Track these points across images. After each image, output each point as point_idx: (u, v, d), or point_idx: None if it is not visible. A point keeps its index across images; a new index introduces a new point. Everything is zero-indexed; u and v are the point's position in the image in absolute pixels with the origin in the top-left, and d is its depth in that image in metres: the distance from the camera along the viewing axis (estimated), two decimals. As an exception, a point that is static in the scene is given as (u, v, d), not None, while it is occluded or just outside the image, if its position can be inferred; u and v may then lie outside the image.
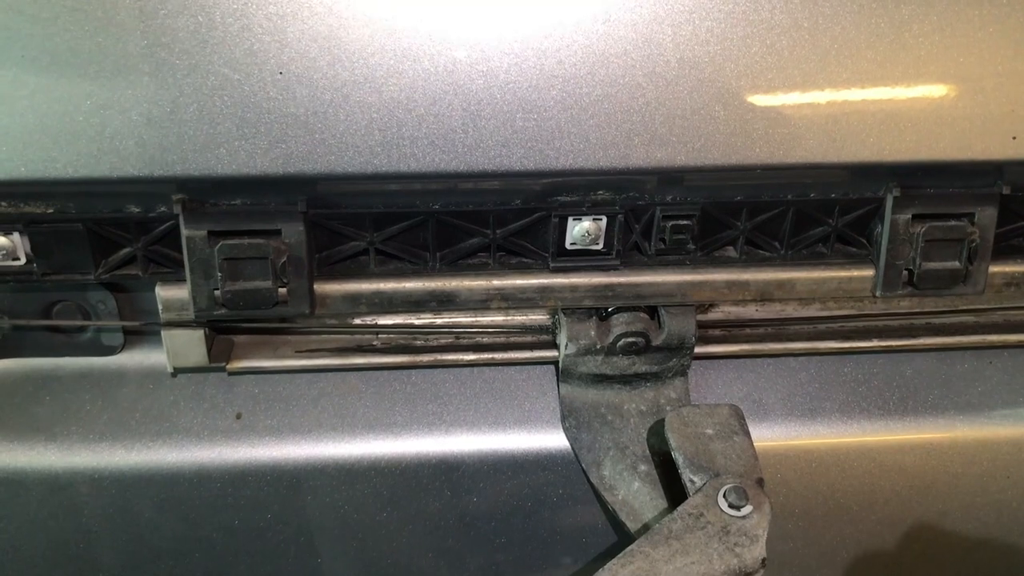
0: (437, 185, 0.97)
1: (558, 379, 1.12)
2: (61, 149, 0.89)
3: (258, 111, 0.90)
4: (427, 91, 0.91)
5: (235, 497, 1.08)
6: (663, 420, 1.02)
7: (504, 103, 0.92)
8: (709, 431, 0.98)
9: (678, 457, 0.97)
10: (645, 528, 1.02)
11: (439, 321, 1.14)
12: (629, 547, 0.87)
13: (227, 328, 1.10)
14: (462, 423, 1.10)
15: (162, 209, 0.96)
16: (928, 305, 1.18)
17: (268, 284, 0.98)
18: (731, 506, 0.90)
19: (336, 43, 0.89)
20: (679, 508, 0.91)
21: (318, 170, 0.92)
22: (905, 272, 1.05)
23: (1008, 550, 1.19)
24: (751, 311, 1.17)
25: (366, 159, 0.92)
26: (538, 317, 1.14)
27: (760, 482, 0.94)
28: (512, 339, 1.13)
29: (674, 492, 1.02)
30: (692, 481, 0.94)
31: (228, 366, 1.08)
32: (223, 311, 0.99)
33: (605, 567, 0.86)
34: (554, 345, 1.12)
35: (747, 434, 0.99)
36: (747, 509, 0.89)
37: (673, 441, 0.98)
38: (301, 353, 1.11)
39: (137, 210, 0.96)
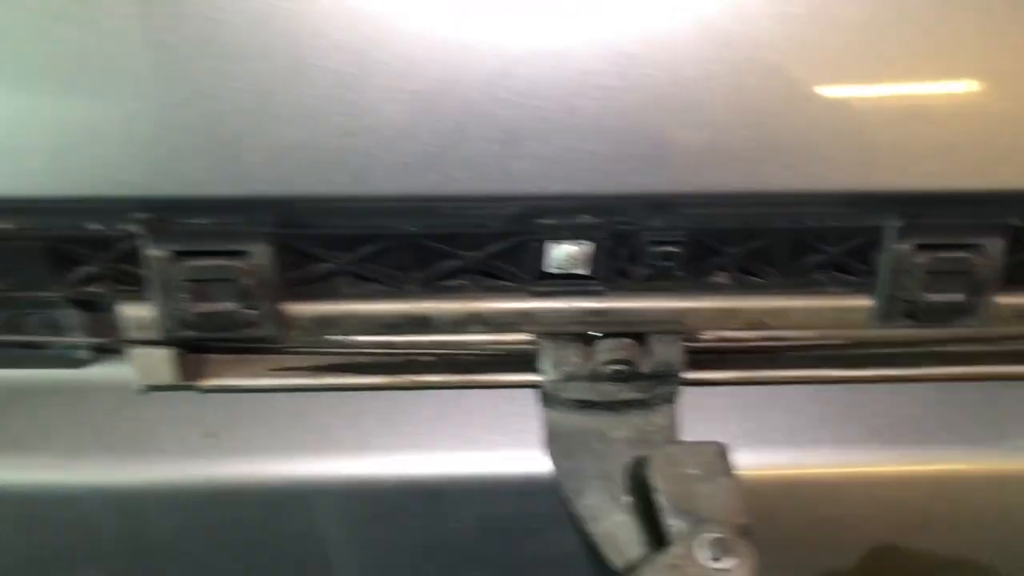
0: (412, 207, 0.92)
1: (543, 403, 1.07)
2: (15, 166, 0.86)
3: (220, 131, 0.85)
4: (398, 113, 0.86)
5: (209, 518, 1.04)
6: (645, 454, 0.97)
7: (479, 125, 0.86)
8: (693, 471, 0.93)
9: (660, 499, 0.92)
10: (627, 563, 0.98)
11: (420, 339, 1.09)
12: (601, 600, 0.83)
13: (198, 346, 1.05)
14: (442, 446, 1.05)
15: (124, 227, 0.92)
16: (933, 334, 1.11)
17: (236, 306, 0.94)
18: (713, 558, 0.85)
19: (300, 63, 0.84)
20: (657, 559, 0.86)
21: (285, 192, 0.88)
22: (905, 304, 0.99)
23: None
24: (745, 336, 1.11)
25: (336, 182, 0.87)
26: (522, 338, 1.09)
27: (745, 528, 0.89)
28: (494, 362, 1.08)
29: (656, 528, 0.97)
30: (672, 526, 0.90)
31: (201, 384, 1.04)
32: (191, 332, 0.95)
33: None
34: (537, 369, 1.07)
35: (732, 475, 0.94)
36: (730, 562, 0.85)
37: (657, 481, 0.93)
38: (276, 372, 1.06)
39: (98, 227, 0.92)
